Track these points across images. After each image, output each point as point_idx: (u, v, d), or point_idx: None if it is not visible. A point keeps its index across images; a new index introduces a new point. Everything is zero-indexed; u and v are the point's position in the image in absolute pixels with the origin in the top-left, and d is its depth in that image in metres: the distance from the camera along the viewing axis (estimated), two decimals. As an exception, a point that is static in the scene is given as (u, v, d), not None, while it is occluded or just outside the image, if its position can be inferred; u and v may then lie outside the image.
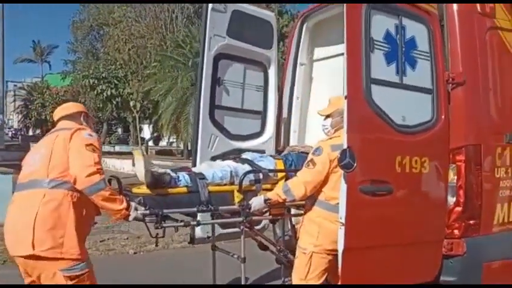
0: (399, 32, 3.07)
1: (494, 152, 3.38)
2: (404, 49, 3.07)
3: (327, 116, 3.43)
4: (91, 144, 2.88)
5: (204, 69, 4.36)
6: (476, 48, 3.38)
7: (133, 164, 3.31)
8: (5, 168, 9.39)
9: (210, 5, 4.30)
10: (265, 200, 3.35)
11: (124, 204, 2.91)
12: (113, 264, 5.85)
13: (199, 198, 3.38)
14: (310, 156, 3.26)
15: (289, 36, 5.40)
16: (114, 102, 27.82)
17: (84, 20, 37.15)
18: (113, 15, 29.48)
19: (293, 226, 3.90)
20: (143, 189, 3.27)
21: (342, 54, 4.76)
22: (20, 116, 56.77)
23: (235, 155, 4.19)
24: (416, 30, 3.15)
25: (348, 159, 2.68)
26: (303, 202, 3.37)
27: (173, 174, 3.44)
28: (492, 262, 3.32)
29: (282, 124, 4.97)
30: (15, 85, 58.49)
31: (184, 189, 3.42)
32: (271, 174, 3.75)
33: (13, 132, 53.18)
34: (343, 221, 2.71)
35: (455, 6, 3.38)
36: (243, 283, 3.60)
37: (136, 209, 3.01)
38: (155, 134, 33.92)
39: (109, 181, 3.21)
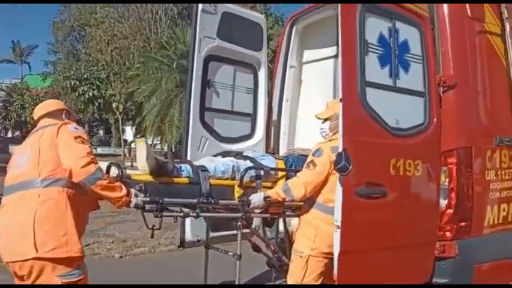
0: (392, 35, 3.08)
1: (485, 154, 3.42)
2: (397, 52, 3.09)
3: (325, 120, 3.43)
4: (80, 137, 2.84)
5: (194, 71, 4.34)
6: (467, 51, 3.42)
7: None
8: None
9: (200, 7, 4.28)
10: (265, 198, 3.35)
11: (124, 191, 2.88)
12: (99, 269, 5.73)
13: (199, 190, 3.35)
14: (310, 158, 3.27)
15: (278, 38, 5.40)
16: (96, 103, 27.48)
17: (65, 20, 36.65)
18: (95, 15, 29.12)
19: (287, 230, 3.87)
20: (144, 176, 3.24)
21: (332, 57, 4.96)
22: (-2, 118, 55.71)
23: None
24: (408, 34, 3.17)
25: (344, 162, 2.68)
26: (301, 204, 3.36)
27: (176, 164, 3.43)
28: (482, 264, 3.35)
29: (272, 126, 4.97)
30: (-6, 86, 57.37)
31: (186, 180, 3.39)
32: (272, 172, 3.76)
33: (-9, 134, 52.08)
34: (339, 224, 2.70)
35: (445, 9, 3.41)
36: (237, 281, 3.57)
37: (136, 196, 2.99)
38: (138, 136, 33.59)
39: (108, 168, 3.22)
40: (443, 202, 3.25)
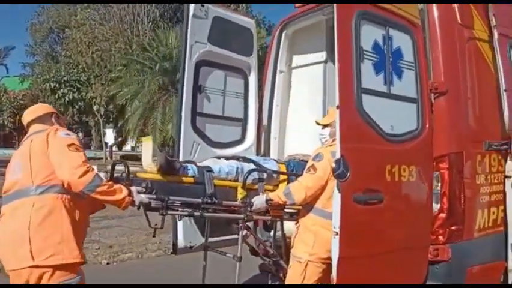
0: (386, 42, 3.12)
1: (475, 159, 3.48)
2: (391, 59, 3.13)
3: (325, 126, 3.49)
4: (73, 144, 2.81)
5: (186, 76, 4.33)
6: (457, 58, 3.48)
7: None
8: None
9: (191, 12, 4.28)
10: (267, 200, 3.40)
11: (125, 192, 2.87)
12: (87, 276, 5.66)
13: (204, 190, 3.39)
14: (310, 162, 3.32)
15: (268, 43, 5.42)
16: (76, 106, 27.10)
17: (43, 22, 36.08)
18: (75, 17, 28.75)
19: (284, 234, 3.88)
20: (150, 174, 3.26)
21: (321, 62, 5.00)
22: (-26, 121, 54.41)
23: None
24: (401, 41, 3.21)
25: (342, 169, 2.71)
26: (300, 208, 3.39)
27: (183, 164, 3.48)
28: (474, 267, 3.42)
29: (263, 131, 4.99)
30: (-31, 88, 56.01)
31: (191, 179, 3.45)
32: (274, 176, 3.81)
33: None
34: (337, 230, 2.72)
35: (436, 16, 3.47)
36: (236, 282, 3.59)
37: (139, 193, 2.99)
38: (119, 139, 33.24)
39: (113, 166, 3.29)
40: (436, 206, 3.30)
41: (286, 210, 3.60)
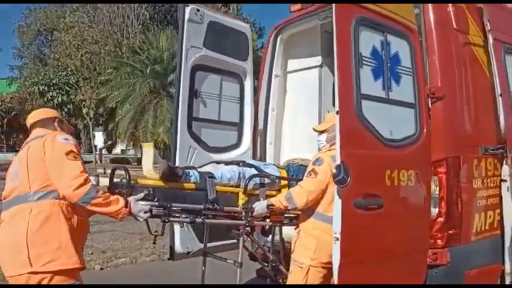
0: (384, 48, 3.13)
1: (472, 163, 3.51)
2: (389, 65, 3.14)
3: (322, 132, 3.50)
4: (71, 151, 2.78)
5: (182, 81, 4.31)
6: (453, 63, 3.51)
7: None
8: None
9: (187, 16, 4.27)
10: (268, 206, 3.39)
11: (122, 202, 2.85)
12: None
13: (206, 196, 3.37)
14: (311, 167, 3.32)
15: (259, 46, 5.43)
16: (65, 109, 26.86)
17: (31, 24, 35.74)
18: (64, 20, 28.51)
19: (282, 239, 3.88)
20: (151, 181, 3.24)
21: (316, 66, 5.02)
22: (-39, 124, 53.67)
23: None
24: (399, 46, 3.23)
25: (342, 175, 2.71)
26: (299, 212, 3.39)
27: (184, 170, 3.46)
28: (472, 270, 3.45)
29: (258, 136, 4.99)
30: (-45, 91, 55.27)
31: (193, 186, 3.42)
32: (276, 180, 3.80)
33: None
34: (338, 236, 2.72)
35: (432, 21, 3.50)
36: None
37: (137, 201, 2.96)
38: (109, 142, 33.05)
39: (113, 171, 3.26)
40: (434, 210, 3.33)
41: (286, 215, 3.60)
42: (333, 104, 4.54)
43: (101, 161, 30.60)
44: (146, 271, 6.53)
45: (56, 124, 3.06)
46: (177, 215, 3.32)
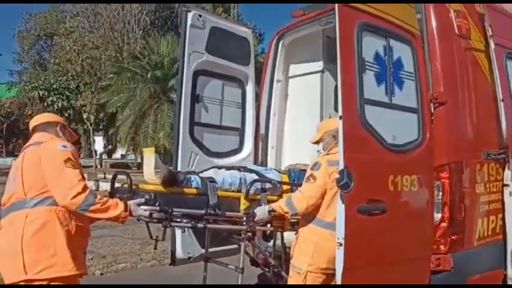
0: (387, 53, 3.14)
1: (474, 168, 3.52)
2: (392, 70, 3.15)
3: (318, 142, 3.54)
4: (69, 159, 2.77)
5: (184, 86, 4.32)
6: (456, 68, 3.52)
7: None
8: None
9: (189, 22, 4.28)
10: (269, 211, 3.39)
11: (121, 207, 2.84)
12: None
13: (207, 201, 3.37)
14: (309, 172, 3.32)
15: (260, 51, 5.44)
16: (66, 114, 26.87)
17: (31, 29, 35.81)
18: (64, 25, 28.58)
19: (284, 244, 3.87)
20: (152, 186, 3.24)
21: (318, 71, 5.02)
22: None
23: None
24: (402, 51, 3.23)
25: (346, 180, 2.70)
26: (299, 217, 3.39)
27: (186, 175, 3.46)
28: (474, 275, 3.44)
29: (260, 140, 4.98)
30: (-45, 96, 55.29)
31: (194, 191, 3.42)
32: (277, 186, 3.80)
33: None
34: (341, 241, 2.71)
35: (434, 27, 3.51)
36: None
37: (137, 206, 2.97)
38: (109, 147, 33.03)
39: (114, 177, 3.27)
40: (437, 216, 3.33)
41: (289, 219, 3.59)
42: (335, 109, 4.58)
43: (101, 165, 30.56)
44: (147, 276, 6.50)
45: (58, 129, 3.05)
46: (178, 220, 3.32)
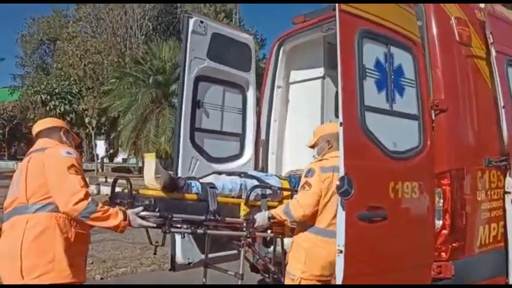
0: (388, 60, 3.14)
1: (476, 175, 3.51)
2: (392, 77, 3.15)
3: (313, 146, 3.55)
4: (73, 166, 2.79)
5: (185, 91, 4.33)
6: (457, 75, 3.52)
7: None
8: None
9: (191, 28, 4.29)
10: (269, 218, 3.41)
11: (121, 216, 2.85)
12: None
13: (207, 207, 3.37)
14: (304, 179, 3.31)
15: (261, 57, 5.46)
16: (68, 118, 26.95)
17: (33, 33, 35.97)
18: (67, 30, 28.72)
19: (284, 250, 3.87)
20: (152, 191, 3.25)
21: (318, 78, 5.03)
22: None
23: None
24: (402, 58, 3.23)
25: (346, 187, 2.70)
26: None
27: (186, 180, 3.46)
28: (476, 283, 3.43)
29: (260, 146, 4.98)
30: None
31: (194, 196, 3.42)
32: (278, 192, 3.80)
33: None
34: (342, 248, 2.70)
35: (435, 33, 3.52)
36: None
37: (136, 214, 2.96)
38: (111, 151, 33.07)
39: (115, 181, 3.29)
40: (438, 223, 3.32)
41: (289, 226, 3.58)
42: (336, 115, 4.58)
43: (102, 169, 30.58)
44: (147, 281, 6.48)
45: (61, 134, 3.07)
46: (178, 225, 3.31)
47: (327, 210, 3.21)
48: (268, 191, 3.73)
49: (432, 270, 3.23)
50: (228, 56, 4.64)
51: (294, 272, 3.28)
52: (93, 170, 27.10)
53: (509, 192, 3.64)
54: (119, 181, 3.46)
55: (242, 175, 3.88)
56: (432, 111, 3.39)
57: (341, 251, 2.71)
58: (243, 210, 3.54)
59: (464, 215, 3.36)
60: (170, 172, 3.48)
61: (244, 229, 3.47)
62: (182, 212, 3.30)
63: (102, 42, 26.17)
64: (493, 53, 3.69)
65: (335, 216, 2.92)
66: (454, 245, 3.32)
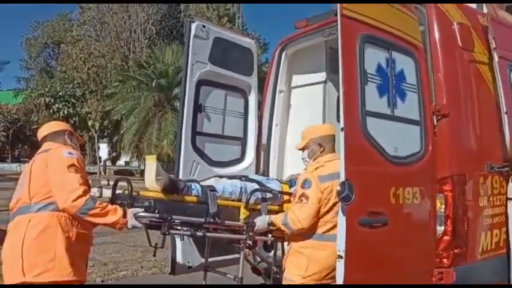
0: (389, 65, 3.13)
1: (478, 181, 3.49)
2: (394, 82, 3.14)
3: (303, 149, 3.47)
4: (73, 165, 2.85)
5: (186, 95, 4.32)
6: (459, 81, 3.51)
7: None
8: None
9: (193, 32, 4.29)
10: (269, 224, 3.39)
11: (120, 213, 2.89)
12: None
13: (207, 209, 3.36)
14: (300, 191, 3.21)
15: (263, 61, 5.46)
16: (71, 121, 27.06)
17: (38, 37, 36.21)
18: (71, 33, 28.90)
19: (284, 254, 3.85)
20: (152, 193, 3.25)
21: (320, 82, 5.02)
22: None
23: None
24: (404, 64, 3.23)
25: (347, 192, 2.68)
26: None
27: (187, 183, 3.46)
28: (477, 290, 3.40)
29: (262, 151, 4.97)
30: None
31: (194, 199, 3.42)
32: (278, 195, 3.77)
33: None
34: (342, 254, 2.68)
35: (437, 38, 3.50)
36: None
37: (134, 215, 2.97)
38: (113, 154, 33.14)
39: (115, 183, 3.30)
40: (440, 229, 3.29)
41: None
42: (338, 120, 4.56)
43: (105, 172, 30.66)
44: (147, 284, 6.48)
45: (66, 137, 3.13)
46: (178, 227, 3.31)
47: (327, 218, 3.16)
48: (269, 195, 3.71)
49: (433, 277, 3.20)
50: (229, 60, 4.63)
51: (292, 277, 3.25)
52: (95, 173, 27.16)
53: (511, 198, 3.61)
54: (121, 184, 3.46)
55: (243, 178, 3.87)
56: (434, 116, 3.36)
57: (341, 257, 2.69)
58: (243, 213, 3.52)
59: (466, 221, 3.34)
60: (171, 175, 3.46)
61: (244, 232, 3.45)
62: (182, 214, 3.30)
63: (106, 46, 26.33)
64: (496, 58, 3.67)
65: (335, 222, 2.91)
66: (456, 251, 3.29)
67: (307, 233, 3.22)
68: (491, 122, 3.68)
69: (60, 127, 3.22)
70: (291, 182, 4.04)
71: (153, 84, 20.17)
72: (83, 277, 2.90)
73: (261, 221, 3.42)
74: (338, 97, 4.26)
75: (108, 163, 34.97)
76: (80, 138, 3.37)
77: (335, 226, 2.99)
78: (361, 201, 2.75)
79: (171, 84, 20.09)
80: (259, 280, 4.17)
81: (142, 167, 26.22)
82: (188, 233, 3.35)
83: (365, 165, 2.85)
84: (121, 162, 38.17)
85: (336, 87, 4.82)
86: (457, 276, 3.23)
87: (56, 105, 26.97)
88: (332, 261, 2.84)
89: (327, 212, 3.16)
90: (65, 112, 26.91)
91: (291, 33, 4.89)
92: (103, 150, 34.98)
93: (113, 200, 3.20)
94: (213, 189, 3.49)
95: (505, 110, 3.60)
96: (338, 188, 2.74)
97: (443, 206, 3.30)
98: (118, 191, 3.36)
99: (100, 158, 31.64)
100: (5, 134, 41.65)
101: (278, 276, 3.74)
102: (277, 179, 4.19)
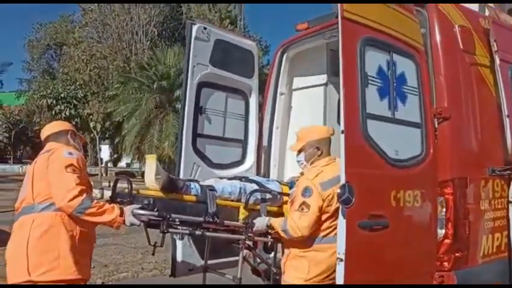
0: (390, 67, 3.13)
1: (479, 184, 3.47)
2: (395, 84, 3.13)
3: (299, 151, 3.39)
4: (71, 165, 2.88)
5: (187, 97, 4.32)
6: (460, 84, 3.49)
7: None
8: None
9: (194, 34, 4.29)
10: (268, 226, 3.37)
11: (117, 211, 2.91)
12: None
13: (206, 209, 3.37)
14: (301, 199, 3.12)
15: (265, 63, 5.45)
16: (73, 122, 27.12)
17: (40, 38, 36.32)
18: (73, 35, 28.99)
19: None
20: (152, 191, 3.27)
21: (321, 84, 5.01)
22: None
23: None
24: (405, 66, 3.22)
25: (347, 195, 2.67)
26: None
27: (186, 182, 3.47)
28: (478, 294, 3.38)
29: (263, 153, 4.96)
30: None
31: (193, 198, 3.43)
32: (278, 196, 3.76)
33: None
34: (342, 256, 2.67)
35: (438, 41, 3.49)
36: None
37: (132, 212, 2.98)
38: (115, 155, 33.19)
39: (116, 181, 3.33)
40: (440, 232, 3.27)
41: None
42: (338, 122, 4.55)
43: (106, 174, 30.68)
44: (148, 285, 6.47)
45: (69, 137, 3.16)
46: (177, 226, 3.31)
47: (328, 222, 3.13)
48: (268, 196, 3.70)
49: (434, 280, 3.19)
50: (230, 62, 4.62)
51: (292, 280, 3.22)
52: (97, 175, 27.19)
53: (513, 202, 3.60)
54: (121, 185, 3.46)
55: (243, 179, 3.86)
56: (435, 119, 3.35)
57: (341, 259, 2.68)
58: (242, 213, 3.52)
59: (467, 225, 3.32)
60: (171, 175, 3.46)
61: (243, 233, 3.44)
62: (180, 212, 3.30)
63: (108, 48, 26.40)
64: (497, 61, 3.66)
65: (336, 225, 2.90)
66: (457, 254, 3.27)
67: (307, 240, 3.18)
68: (492, 125, 3.67)
69: (63, 127, 3.24)
70: (292, 184, 4.02)
71: (155, 86, 20.20)
72: (87, 275, 2.96)
73: (260, 222, 3.41)
74: (339, 100, 4.26)
75: (109, 165, 35.00)
76: (83, 138, 3.42)
77: (335, 228, 2.98)
78: (361, 204, 2.74)
79: (173, 86, 20.11)
80: (259, 281, 4.17)
81: (143, 169, 26.22)
82: (187, 231, 3.35)
83: (365, 167, 2.84)
84: (123, 163, 38.20)
85: (337, 89, 4.81)
86: (458, 280, 3.21)
87: (58, 106, 27.02)
88: (334, 262, 2.81)
89: (329, 218, 3.12)
90: (67, 114, 26.92)
91: (292, 35, 4.89)
92: (105, 152, 35.03)
93: (113, 198, 3.23)
94: (212, 188, 3.49)
95: (506, 113, 3.59)
96: (338, 190, 2.73)
97: (444, 209, 3.29)
98: (118, 190, 3.37)
99: (101, 159, 31.70)
100: (7, 135, 41.73)
101: (278, 277, 3.73)
102: (277, 181, 4.17)
